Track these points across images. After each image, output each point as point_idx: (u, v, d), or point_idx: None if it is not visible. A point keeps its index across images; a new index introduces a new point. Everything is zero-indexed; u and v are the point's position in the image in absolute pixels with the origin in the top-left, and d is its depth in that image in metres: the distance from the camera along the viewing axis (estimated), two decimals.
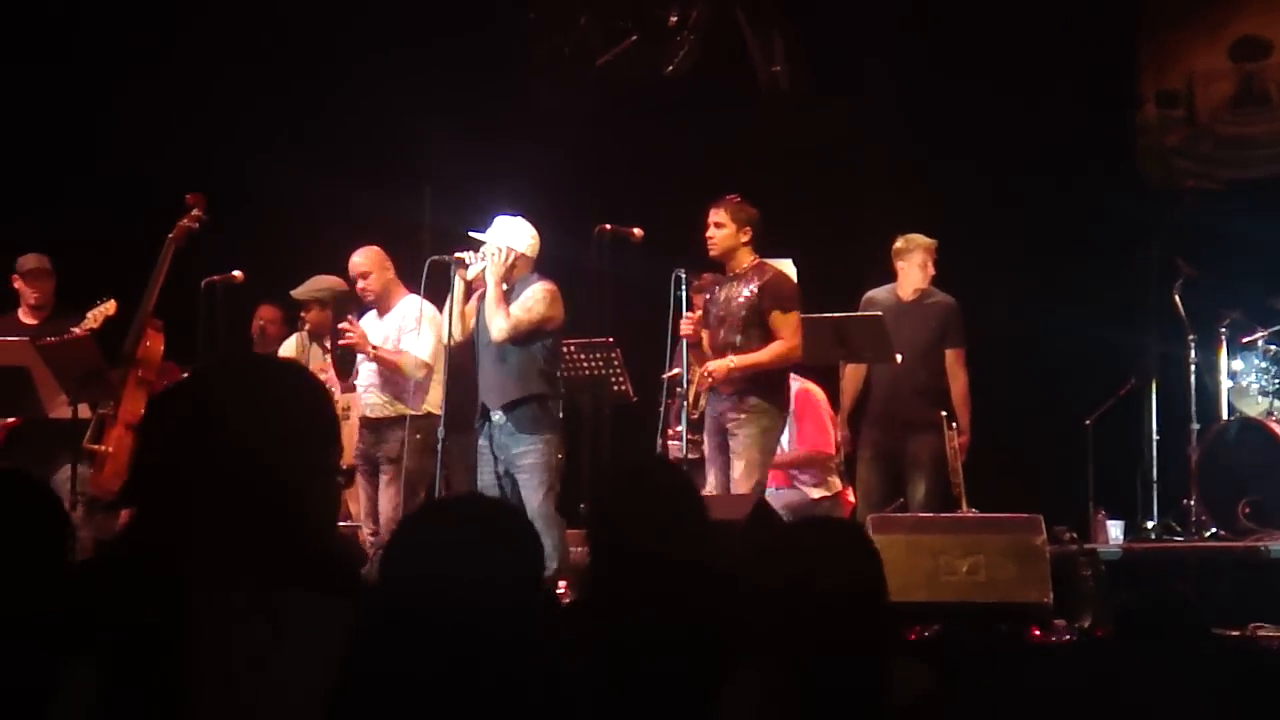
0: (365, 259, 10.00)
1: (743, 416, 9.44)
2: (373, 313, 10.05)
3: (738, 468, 9.39)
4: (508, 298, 9.30)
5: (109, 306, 10.16)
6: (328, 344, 10.88)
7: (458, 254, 9.40)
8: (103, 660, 2.63)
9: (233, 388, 2.83)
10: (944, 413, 10.23)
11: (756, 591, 3.70)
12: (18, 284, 10.54)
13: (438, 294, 9.75)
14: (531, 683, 2.57)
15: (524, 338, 9.26)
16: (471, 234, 9.42)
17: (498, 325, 9.21)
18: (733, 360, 9.40)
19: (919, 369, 10.36)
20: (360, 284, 9.99)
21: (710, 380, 9.43)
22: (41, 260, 10.55)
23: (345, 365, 10.41)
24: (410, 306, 9.84)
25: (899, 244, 10.63)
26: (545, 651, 2.63)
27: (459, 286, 9.40)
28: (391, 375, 9.79)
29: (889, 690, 3.61)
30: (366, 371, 9.91)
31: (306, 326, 10.88)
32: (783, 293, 9.56)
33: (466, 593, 2.58)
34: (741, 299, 9.51)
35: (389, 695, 2.55)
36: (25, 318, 10.44)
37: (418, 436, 9.61)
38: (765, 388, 9.53)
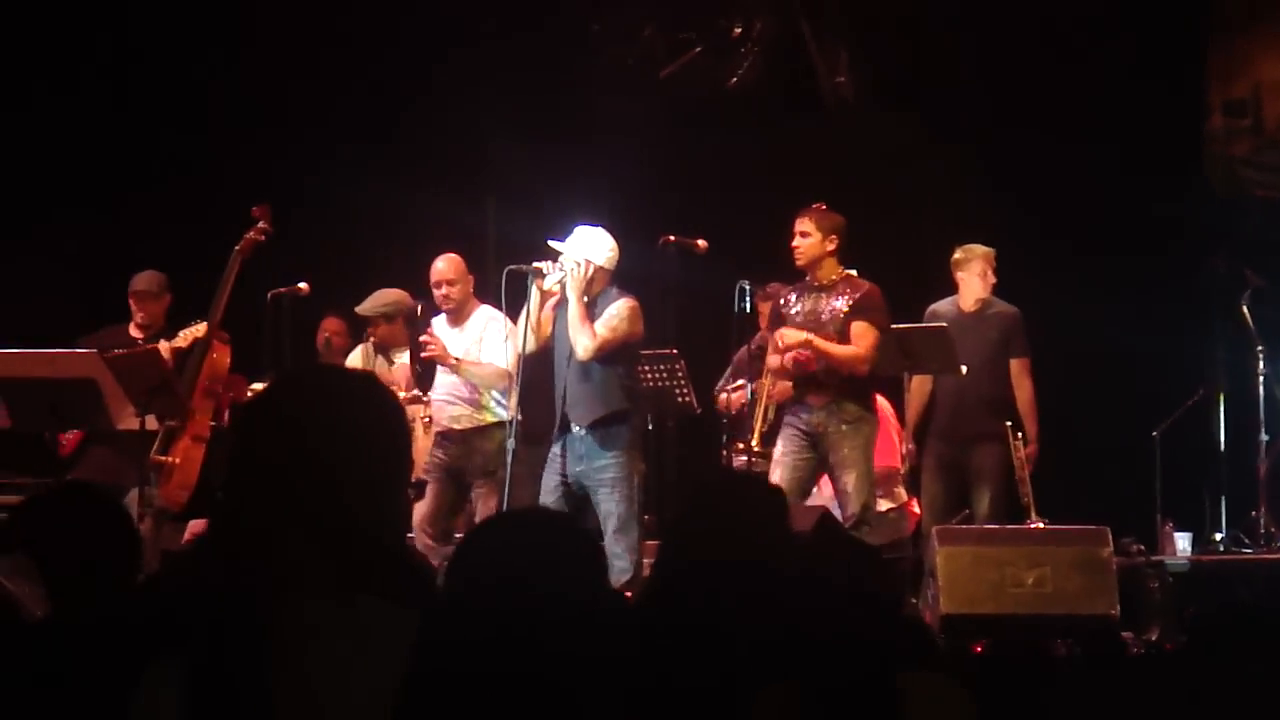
0: (450, 266, 9.96)
1: (845, 427, 9.32)
2: (441, 320, 10.02)
3: (849, 480, 9.25)
4: (590, 312, 9.28)
5: (200, 328, 10.20)
6: (394, 356, 10.90)
7: (535, 264, 9.35)
8: (189, 663, 2.64)
9: (313, 398, 2.84)
10: (1009, 423, 10.19)
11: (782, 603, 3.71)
12: (130, 300, 10.59)
13: (511, 304, 9.73)
14: (591, 693, 2.57)
15: (609, 355, 9.20)
16: (551, 243, 9.36)
17: (583, 344, 9.13)
18: (810, 336, 9.32)
19: (982, 380, 10.33)
20: (443, 290, 9.91)
21: (782, 345, 9.34)
22: (150, 281, 10.55)
23: (427, 379, 10.42)
24: (486, 318, 9.83)
25: (958, 255, 10.61)
26: (611, 663, 2.64)
27: (535, 297, 9.36)
28: (473, 385, 9.78)
29: (905, 709, 3.60)
30: (445, 383, 9.89)
31: (373, 339, 10.92)
32: (876, 307, 9.45)
33: (527, 605, 2.58)
34: (835, 310, 9.42)
35: (449, 705, 2.56)
36: (134, 332, 10.51)
37: (505, 445, 9.51)
38: (860, 396, 9.45)
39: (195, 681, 2.63)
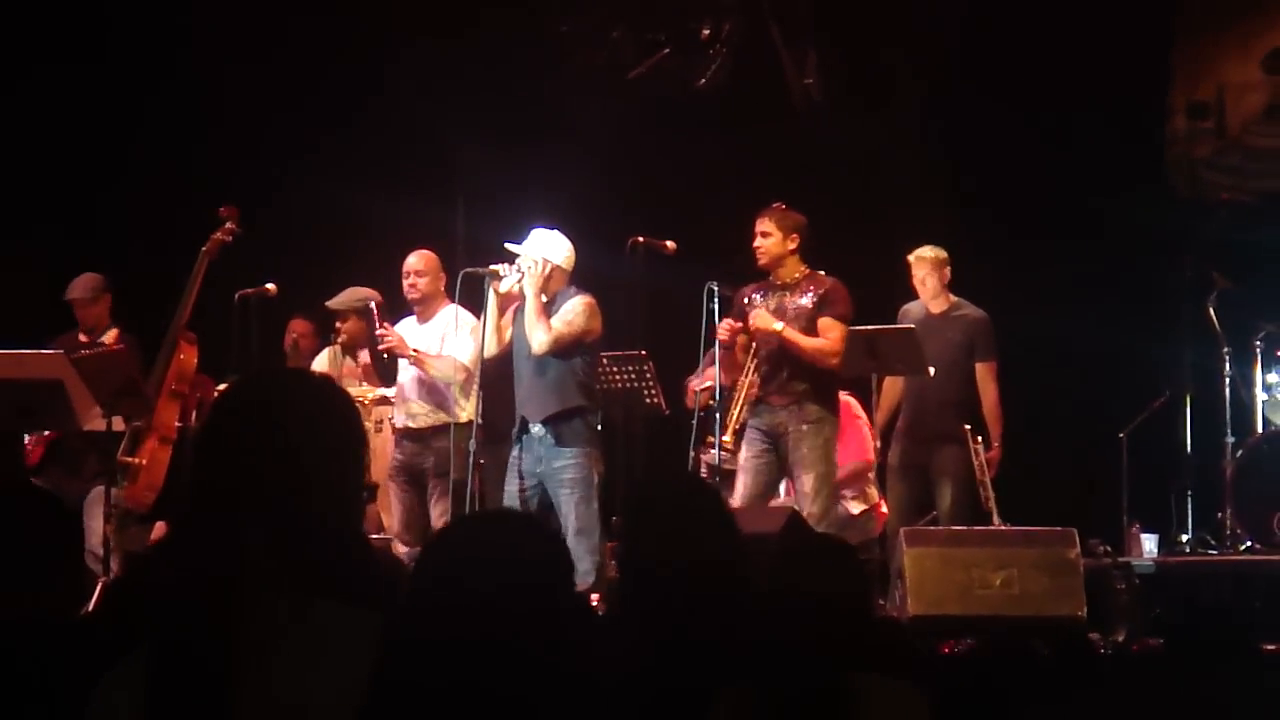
0: (421, 260, 9.98)
1: (805, 428, 9.42)
2: (412, 320, 10.03)
3: (807, 481, 9.35)
4: (546, 310, 9.30)
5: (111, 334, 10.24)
6: (360, 356, 10.89)
7: (491, 266, 9.41)
8: (149, 664, 2.64)
9: (274, 399, 2.85)
10: (968, 426, 10.20)
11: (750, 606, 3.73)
12: (71, 307, 10.56)
13: (471, 307, 9.76)
14: (556, 696, 2.57)
15: (565, 350, 9.26)
16: (509, 246, 9.42)
17: (539, 338, 9.21)
18: (782, 326, 9.38)
19: (945, 382, 10.34)
20: (410, 280, 9.93)
21: (754, 329, 9.39)
22: (83, 287, 10.50)
23: (384, 373, 10.42)
24: (453, 315, 9.83)
25: (910, 258, 10.64)
26: (575, 665, 2.63)
27: (493, 299, 9.41)
28: (433, 384, 9.77)
29: (858, 711, 3.61)
30: (408, 381, 9.88)
31: (340, 339, 10.90)
32: (842, 303, 9.53)
33: (492, 607, 2.58)
34: (799, 308, 9.49)
35: (414, 709, 2.55)
36: (81, 337, 10.46)
37: (462, 445, 9.54)
38: (824, 396, 9.54)
39: (155, 683, 2.62)
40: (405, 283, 9.99)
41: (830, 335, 9.47)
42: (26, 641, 3.35)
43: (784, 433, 9.45)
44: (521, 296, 9.38)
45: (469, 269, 9.56)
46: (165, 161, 12.16)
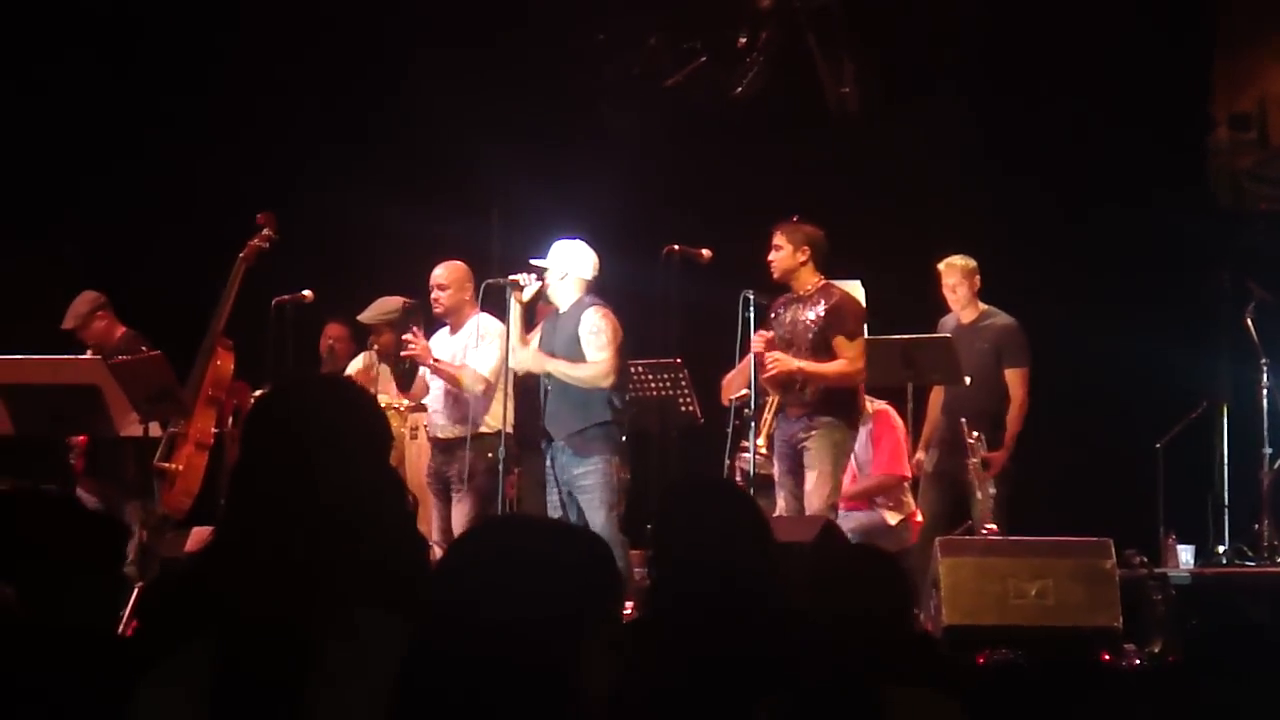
0: (446, 272, 10.01)
1: (814, 433, 9.52)
2: (445, 331, 10.05)
3: (810, 479, 9.45)
4: (561, 318, 9.40)
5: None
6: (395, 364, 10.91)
7: (512, 276, 9.45)
8: (216, 658, 2.64)
9: (302, 407, 2.86)
10: (977, 434, 10.11)
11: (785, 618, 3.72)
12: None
13: (494, 317, 9.79)
14: (579, 702, 2.55)
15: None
16: (534, 262, 9.48)
17: (602, 379, 9.33)
18: (799, 363, 9.43)
19: (976, 392, 10.30)
20: (435, 294, 9.98)
21: (775, 369, 9.43)
22: (76, 315, 10.47)
23: (407, 379, 10.45)
24: (480, 325, 9.85)
25: (940, 267, 10.61)
26: (605, 670, 2.61)
27: (515, 310, 9.45)
28: (456, 394, 9.78)
29: None
30: (435, 392, 9.92)
31: (375, 346, 10.93)
32: (848, 316, 9.59)
33: (511, 614, 2.56)
34: (808, 321, 9.56)
35: (441, 713, 2.54)
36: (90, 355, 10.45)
37: (489, 455, 9.59)
38: (837, 407, 9.61)
39: (223, 685, 2.62)
40: (430, 297, 10.03)
41: (847, 355, 9.57)
42: (65, 647, 3.36)
43: (798, 442, 9.55)
44: (548, 308, 9.48)
45: (490, 280, 9.60)
46: (202, 169, 12.18)
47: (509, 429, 9.63)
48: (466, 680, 2.50)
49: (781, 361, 9.47)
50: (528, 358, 9.45)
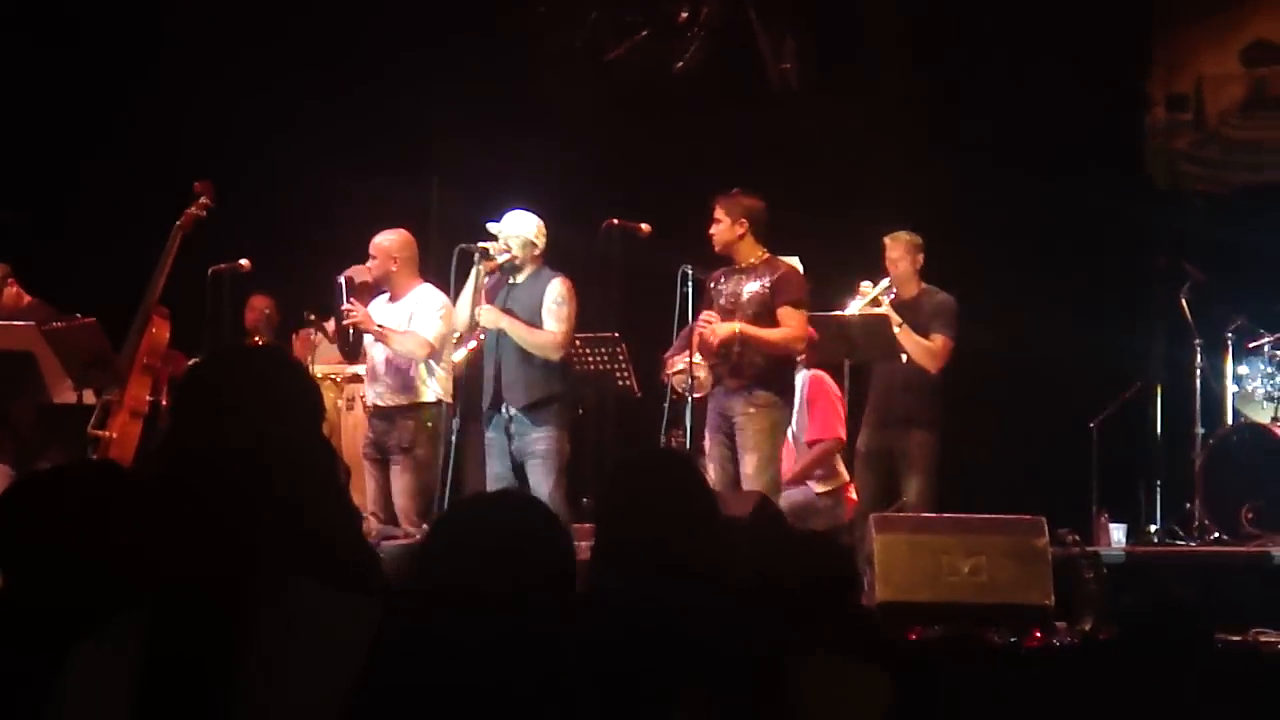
0: (379, 240, 9.89)
1: (752, 411, 9.47)
2: (383, 299, 9.99)
3: (750, 462, 9.41)
4: (517, 287, 9.42)
5: None
6: (327, 327, 10.86)
7: (482, 244, 9.44)
8: (146, 639, 2.62)
9: (246, 372, 2.85)
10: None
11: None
12: None
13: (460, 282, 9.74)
14: (558, 680, 2.56)
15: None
16: (488, 226, 9.47)
17: (553, 347, 9.41)
18: (739, 326, 9.42)
19: (911, 366, 10.33)
20: (370, 263, 9.92)
21: (712, 338, 9.43)
22: None
23: (348, 350, 10.40)
24: (423, 294, 9.81)
25: (885, 241, 10.64)
26: (564, 649, 2.62)
27: (478, 277, 9.44)
28: (401, 362, 9.74)
29: (799, 692, 3.60)
30: (378, 359, 9.85)
31: (312, 315, 10.90)
32: (794, 288, 9.59)
33: (507, 594, 2.56)
34: (752, 292, 9.54)
35: (421, 695, 2.54)
36: None
37: (428, 425, 9.59)
38: (773, 380, 9.57)
39: (150, 659, 2.61)
40: (369, 262, 9.95)
41: (791, 323, 9.53)
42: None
43: (733, 416, 9.52)
44: (498, 276, 9.44)
45: (464, 245, 9.54)
46: (139, 136, 12.12)
47: (449, 399, 9.63)
48: (454, 662, 2.49)
49: (720, 331, 9.44)
50: (488, 314, 9.42)
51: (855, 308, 10.32)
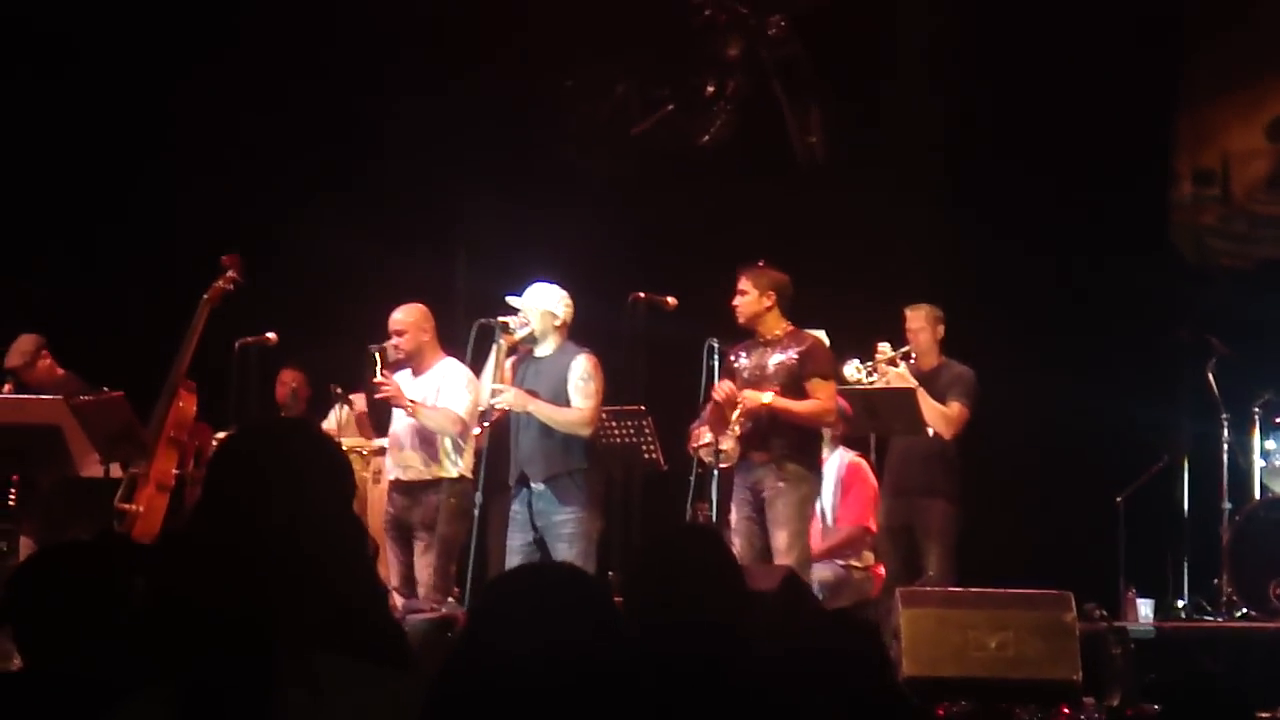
0: (404, 315, 9.88)
1: (782, 485, 9.40)
2: (406, 373, 9.96)
3: (781, 537, 9.33)
4: (542, 362, 9.39)
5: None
6: (356, 404, 10.85)
7: (502, 318, 9.42)
8: (185, 694, 2.62)
9: (267, 450, 2.85)
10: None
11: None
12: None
13: (478, 356, 9.73)
14: None
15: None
16: (509, 299, 9.45)
17: (581, 425, 9.35)
18: (771, 397, 9.37)
19: (930, 438, 10.35)
20: (394, 340, 9.88)
21: (743, 407, 9.38)
22: (20, 353, 10.58)
23: (378, 424, 10.40)
24: (448, 368, 9.79)
25: (907, 311, 10.67)
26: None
27: (501, 351, 9.42)
28: (427, 436, 9.71)
29: None
30: (403, 431, 9.82)
31: (338, 390, 10.90)
32: (823, 360, 9.56)
33: (562, 663, 2.56)
34: (778, 364, 9.48)
35: None
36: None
37: (451, 501, 9.55)
38: (802, 453, 9.50)
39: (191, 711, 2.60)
40: (390, 343, 9.89)
41: (821, 395, 9.48)
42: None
43: (762, 489, 9.46)
44: (523, 350, 9.42)
45: (484, 319, 9.52)
46: (167, 209, 12.17)
47: (470, 474, 9.60)
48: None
49: (750, 398, 9.40)
50: (511, 397, 9.39)
51: (869, 367, 10.33)
